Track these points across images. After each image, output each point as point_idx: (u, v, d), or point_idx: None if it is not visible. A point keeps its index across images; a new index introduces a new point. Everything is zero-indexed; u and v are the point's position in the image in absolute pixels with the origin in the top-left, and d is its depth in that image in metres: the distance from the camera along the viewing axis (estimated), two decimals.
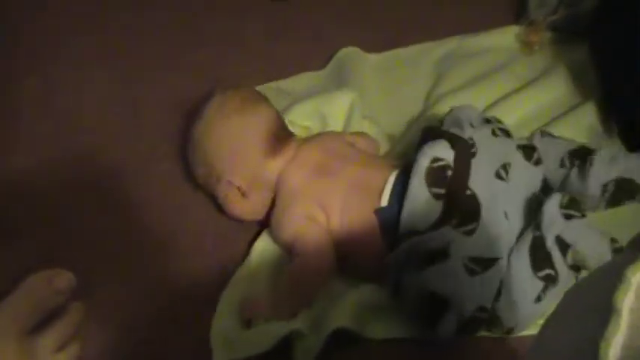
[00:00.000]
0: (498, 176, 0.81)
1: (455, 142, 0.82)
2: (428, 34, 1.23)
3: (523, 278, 0.76)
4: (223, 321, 0.82)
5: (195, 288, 0.87)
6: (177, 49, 1.26)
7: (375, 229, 0.83)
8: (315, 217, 0.86)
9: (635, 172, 0.85)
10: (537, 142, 0.90)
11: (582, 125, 1.02)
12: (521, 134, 1.01)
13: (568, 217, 0.76)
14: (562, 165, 0.88)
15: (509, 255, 0.78)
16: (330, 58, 1.21)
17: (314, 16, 1.31)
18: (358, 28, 1.27)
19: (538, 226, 0.77)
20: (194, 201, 0.99)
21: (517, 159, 0.84)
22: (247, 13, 1.34)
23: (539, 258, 0.76)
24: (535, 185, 0.85)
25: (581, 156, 0.87)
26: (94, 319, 0.66)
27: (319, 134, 1.00)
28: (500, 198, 0.80)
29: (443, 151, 0.81)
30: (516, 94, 1.08)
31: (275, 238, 0.90)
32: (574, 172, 0.86)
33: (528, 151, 0.86)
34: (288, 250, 0.88)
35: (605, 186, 0.85)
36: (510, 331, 0.78)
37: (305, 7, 1.33)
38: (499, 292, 0.76)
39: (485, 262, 0.76)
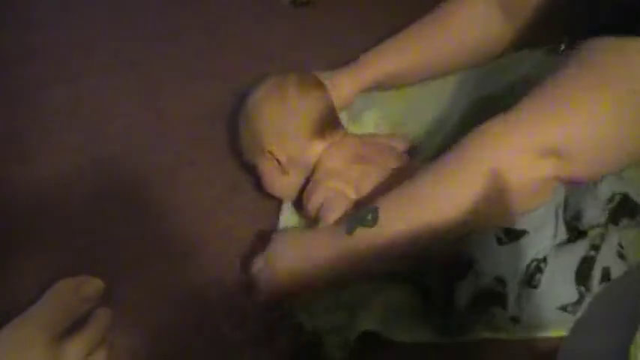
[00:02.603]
0: None
1: None
2: None
3: (564, 279, 0.76)
4: None
5: (220, 295, 0.87)
6: (201, 57, 1.27)
7: None
8: (347, 193, 0.87)
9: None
10: None
11: None
12: None
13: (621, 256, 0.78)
14: None
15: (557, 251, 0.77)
16: None
17: (337, 21, 1.31)
18: (381, 34, 1.27)
19: (596, 248, 0.77)
20: (219, 208, 0.99)
21: None
22: (270, 19, 1.34)
23: (585, 273, 0.76)
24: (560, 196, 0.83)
25: None
26: (119, 327, 0.66)
27: (366, 132, 1.02)
28: None
29: None
30: None
31: (303, 210, 0.91)
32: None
33: None
34: (313, 219, 0.88)
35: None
36: (516, 320, 0.76)
37: (328, 12, 1.33)
38: (534, 281, 0.76)
39: (514, 233, 0.76)
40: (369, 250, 0.77)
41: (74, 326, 0.61)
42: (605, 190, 0.80)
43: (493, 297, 0.76)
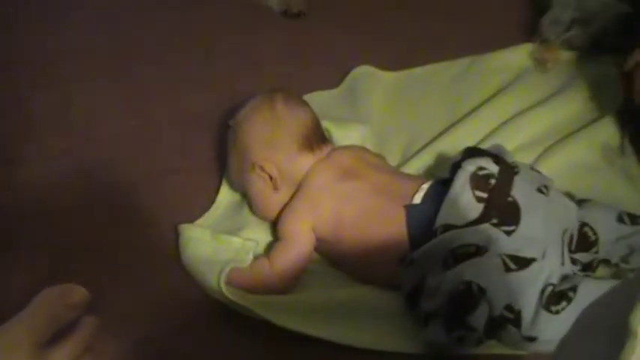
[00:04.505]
0: (539, 191, 0.83)
1: (499, 160, 0.84)
2: (441, 51, 1.24)
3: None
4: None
5: (208, 300, 0.87)
6: (190, 65, 1.28)
7: (401, 227, 0.84)
8: (317, 226, 0.88)
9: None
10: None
11: (597, 142, 1.03)
12: (537, 151, 1.02)
13: None
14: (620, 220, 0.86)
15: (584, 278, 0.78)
16: (343, 75, 1.21)
17: (327, 33, 1.31)
18: (371, 46, 1.28)
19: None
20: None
21: (554, 187, 0.86)
22: (260, 30, 1.35)
23: None
24: (570, 220, 0.84)
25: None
26: (107, 333, 0.65)
27: (354, 145, 1.02)
28: (541, 208, 0.81)
29: (488, 164, 0.83)
30: (530, 111, 1.08)
31: (276, 224, 0.92)
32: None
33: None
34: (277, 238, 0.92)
35: None
36: (532, 339, 0.76)
37: (318, 24, 1.34)
38: (558, 307, 0.75)
39: (522, 261, 0.77)
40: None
41: (60, 334, 0.61)
42: None
43: (506, 322, 0.76)
